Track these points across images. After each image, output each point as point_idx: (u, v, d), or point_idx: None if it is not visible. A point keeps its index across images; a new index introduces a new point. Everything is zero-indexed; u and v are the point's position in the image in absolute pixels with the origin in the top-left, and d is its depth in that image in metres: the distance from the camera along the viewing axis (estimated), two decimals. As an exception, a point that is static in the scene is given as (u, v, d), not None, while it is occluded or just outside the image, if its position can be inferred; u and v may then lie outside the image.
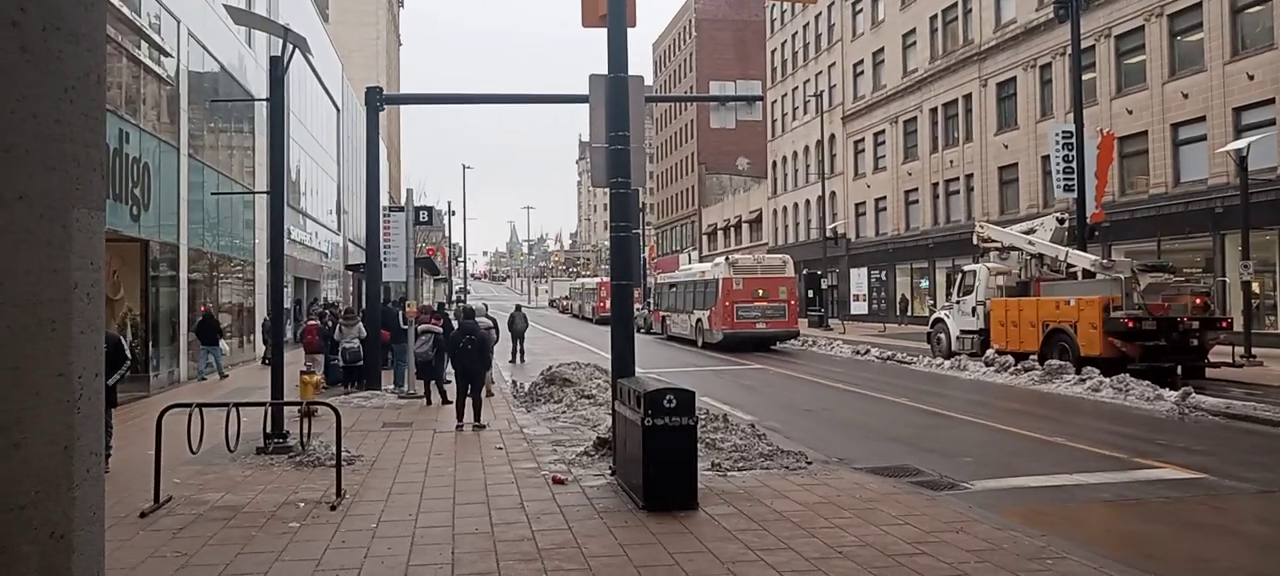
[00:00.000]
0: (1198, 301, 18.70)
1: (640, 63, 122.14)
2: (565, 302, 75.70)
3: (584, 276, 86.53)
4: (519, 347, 26.68)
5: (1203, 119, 28.06)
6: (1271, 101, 25.80)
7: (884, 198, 47.82)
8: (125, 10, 15.27)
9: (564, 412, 13.48)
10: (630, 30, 9.68)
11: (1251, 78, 26.42)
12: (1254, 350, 20.97)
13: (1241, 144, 22.75)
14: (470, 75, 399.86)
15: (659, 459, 7.70)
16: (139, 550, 6.56)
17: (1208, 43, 28.00)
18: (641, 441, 7.70)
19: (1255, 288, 24.73)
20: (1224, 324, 19.30)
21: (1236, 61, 27.01)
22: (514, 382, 18.18)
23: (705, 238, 77.18)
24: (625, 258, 9.73)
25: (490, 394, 14.85)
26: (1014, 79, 37.35)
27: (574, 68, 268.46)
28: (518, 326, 26.96)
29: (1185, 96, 28.70)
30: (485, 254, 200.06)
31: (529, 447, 10.90)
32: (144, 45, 16.65)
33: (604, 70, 9.49)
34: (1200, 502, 8.43)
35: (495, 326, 19.13)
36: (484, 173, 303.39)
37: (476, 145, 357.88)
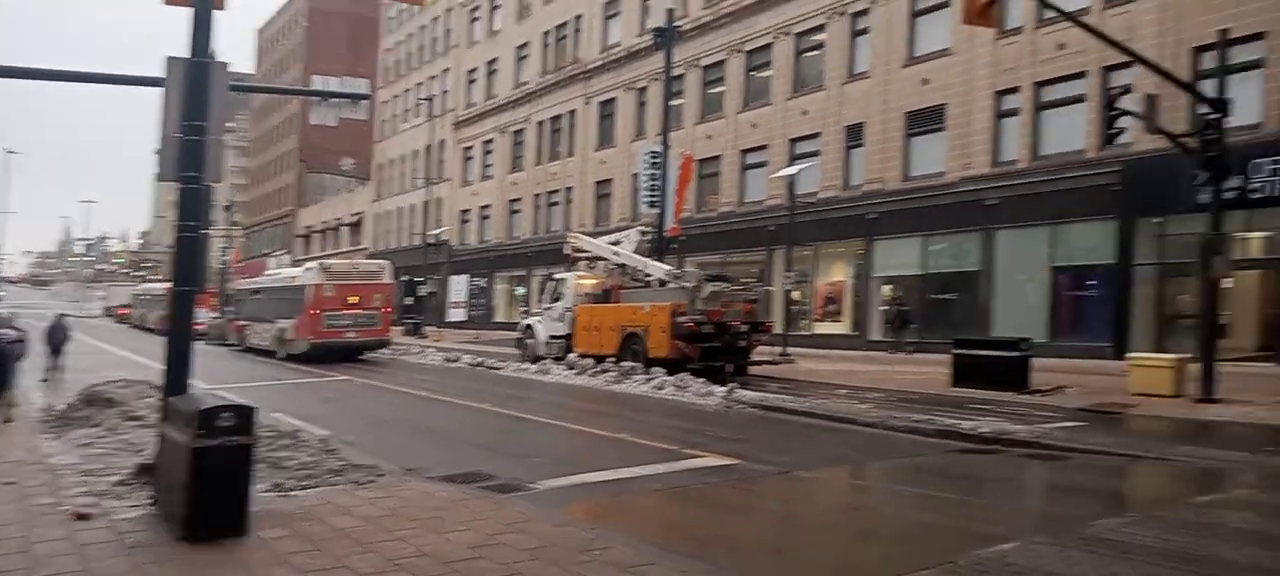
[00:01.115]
0: (747, 307, 21.34)
1: (244, 46, 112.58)
2: (126, 311, 64.16)
3: (152, 281, 75.46)
4: (57, 364, 22.89)
5: (766, 147, 32.26)
6: (818, 135, 30.39)
7: (489, 206, 48.73)
8: None
9: (103, 437, 11.74)
10: (219, 12, 8.78)
11: (805, 113, 30.88)
12: (789, 350, 24.49)
13: (791, 170, 26.59)
14: (33, 49, 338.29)
15: (208, 482, 6.98)
16: None
17: (775, 80, 32.24)
18: (189, 464, 6.93)
19: (795, 296, 28.93)
20: (767, 327, 22.30)
21: (795, 98, 31.41)
22: (48, 406, 15.59)
23: (301, 240, 73.04)
24: (191, 260, 8.71)
25: (10, 420, 12.60)
26: (615, 99, 40.03)
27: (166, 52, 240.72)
28: (56, 339, 23.05)
29: (754, 126, 32.78)
30: (28, 254, 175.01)
31: (51, 479, 9.32)
32: None
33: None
34: (732, 486, 9.53)
35: (24, 339, 16.44)
36: (38, 162, 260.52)
37: (30, 131, 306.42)
